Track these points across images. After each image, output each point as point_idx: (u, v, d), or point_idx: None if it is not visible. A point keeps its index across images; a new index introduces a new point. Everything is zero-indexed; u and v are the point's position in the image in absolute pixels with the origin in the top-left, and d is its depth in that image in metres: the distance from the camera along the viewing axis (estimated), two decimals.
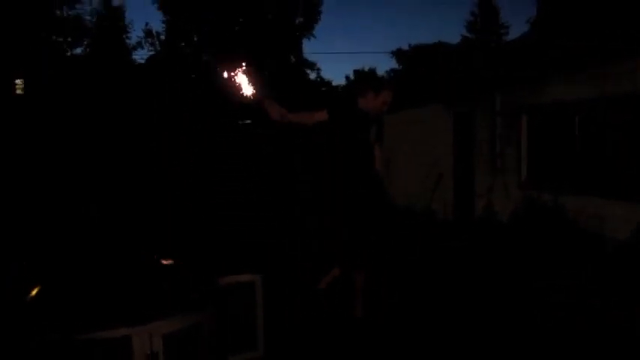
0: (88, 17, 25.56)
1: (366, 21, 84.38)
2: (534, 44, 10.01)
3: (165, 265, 3.29)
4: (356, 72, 29.38)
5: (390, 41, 76.53)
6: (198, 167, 7.47)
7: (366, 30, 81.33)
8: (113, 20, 27.15)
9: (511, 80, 9.14)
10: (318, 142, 4.71)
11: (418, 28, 73.74)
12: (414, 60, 20.94)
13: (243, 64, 3.98)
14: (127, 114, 10.15)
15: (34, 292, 2.82)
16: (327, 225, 4.84)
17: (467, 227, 9.39)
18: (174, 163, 7.32)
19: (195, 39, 25.42)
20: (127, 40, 27.68)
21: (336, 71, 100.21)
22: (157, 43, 26.97)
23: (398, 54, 23.68)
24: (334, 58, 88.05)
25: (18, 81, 16.52)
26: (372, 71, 28.70)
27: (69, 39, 24.04)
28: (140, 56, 27.45)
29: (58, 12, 22.81)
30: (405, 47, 23.58)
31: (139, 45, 27.13)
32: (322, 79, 28.51)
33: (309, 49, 28.68)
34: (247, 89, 4.28)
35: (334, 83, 29.01)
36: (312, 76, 28.13)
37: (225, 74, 4.18)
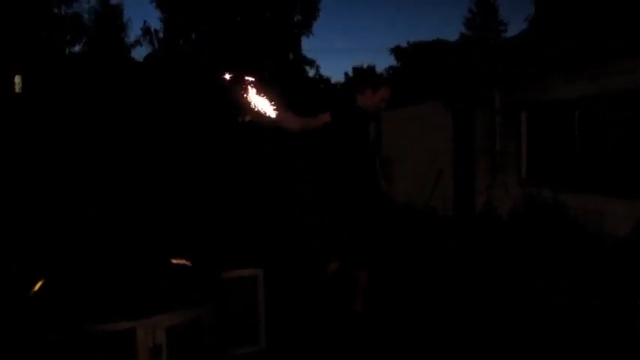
0: (86, 15, 25.55)
1: (365, 18, 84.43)
2: (533, 42, 10.02)
3: (168, 260, 3.30)
4: (355, 69, 29.41)
5: (388, 38, 76.84)
6: (198, 167, 7.48)
7: (365, 27, 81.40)
8: (111, 18, 27.15)
9: (510, 77, 9.15)
10: (318, 142, 4.71)
11: (417, 26, 73.85)
12: (413, 57, 20.91)
13: (252, 79, 3.96)
14: (126, 113, 10.14)
15: (38, 286, 2.83)
16: (327, 225, 4.84)
17: (467, 224, 9.40)
18: (174, 163, 7.32)
19: (194, 37, 25.40)
20: (126, 39, 27.70)
21: (335, 68, 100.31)
22: (156, 41, 26.95)
23: (396, 51, 23.64)
24: (333, 55, 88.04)
25: (16, 79, 16.50)
26: (371, 68, 28.75)
27: (67, 37, 24.02)
28: (139, 54, 27.37)
29: (56, 10, 22.80)
30: (404, 44, 23.54)
31: (138, 43, 27.12)
32: (321, 76, 28.52)
33: (308, 46, 28.83)
34: (264, 109, 4.28)
35: (333, 80, 29.06)
36: (311, 73, 28.15)
37: (238, 91, 4.16)
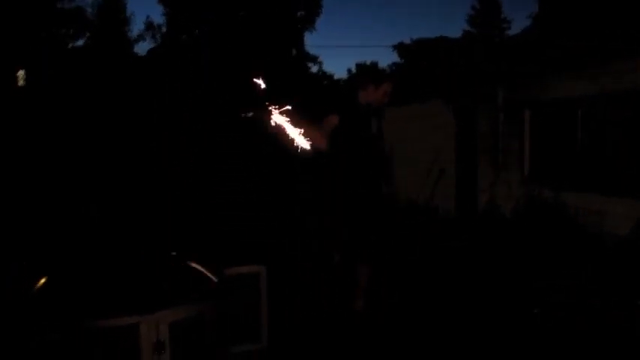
0: (90, 9, 25.55)
1: (368, 15, 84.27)
2: (536, 41, 10.01)
3: (172, 257, 3.33)
4: (358, 65, 29.38)
5: (391, 35, 76.59)
6: (198, 167, 7.49)
7: (368, 24, 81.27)
8: (114, 12, 27.15)
9: (513, 75, 9.14)
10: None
11: (420, 23, 73.73)
12: (416, 54, 20.89)
13: (287, 107, 3.99)
14: (127, 113, 10.16)
15: (41, 283, 2.85)
16: (327, 225, 4.86)
17: (469, 223, 9.40)
18: (174, 163, 7.33)
19: (197, 32, 25.40)
20: (129, 33, 27.72)
21: (337, 65, 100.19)
22: (159, 35, 26.97)
23: (399, 48, 23.60)
24: (336, 51, 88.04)
25: (20, 73, 16.51)
26: (374, 65, 28.70)
27: (70, 31, 24.04)
28: (142, 49, 27.37)
29: (59, 4, 22.80)
30: (407, 41, 23.50)
31: (141, 38, 27.14)
32: (324, 72, 28.53)
33: (311, 42, 28.83)
34: (298, 140, 4.31)
35: (336, 77, 29.03)
36: (314, 69, 28.16)
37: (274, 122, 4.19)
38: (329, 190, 4.71)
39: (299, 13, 26.73)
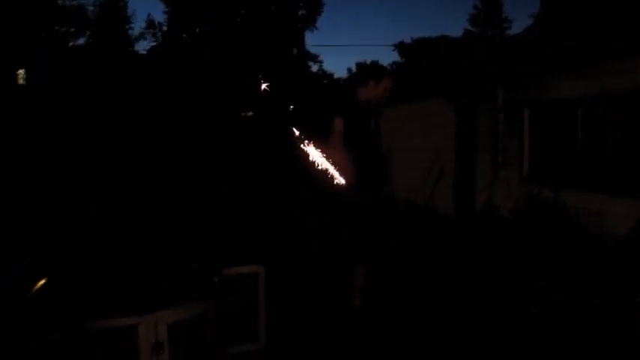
0: (91, 8, 25.55)
1: (369, 13, 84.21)
2: (536, 40, 10.02)
3: (170, 257, 3.34)
4: (358, 65, 29.38)
5: (392, 34, 76.48)
6: (198, 167, 7.49)
7: (369, 22, 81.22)
8: (116, 11, 27.15)
9: (514, 75, 9.14)
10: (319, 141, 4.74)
11: (421, 22, 73.68)
12: (417, 53, 20.88)
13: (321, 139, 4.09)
14: (127, 112, 10.16)
15: (40, 284, 2.86)
16: (327, 225, 4.88)
17: (468, 223, 9.41)
18: (174, 163, 7.34)
19: (198, 30, 25.41)
20: (130, 31, 27.73)
21: (338, 64, 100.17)
22: (160, 34, 26.98)
23: (400, 47, 23.60)
24: (336, 50, 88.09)
25: (20, 71, 16.50)
26: (375, 63, 28.63)
27: (71, 30, 24.04)
28: (143, 47, 27.38)
29: (60, 2, 22.80)
30: (408, 40, 23.49)
31: (142, 36, 27.15)
32: (324, 71, 28.53)
33: (312, 41, 28.86)
34: (336, 174, 4.37)
35: (336, 76, 29.04)
36: (315, 68, 28.15)
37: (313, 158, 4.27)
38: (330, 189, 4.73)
39: (300, 12, 26.71)
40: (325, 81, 27.07)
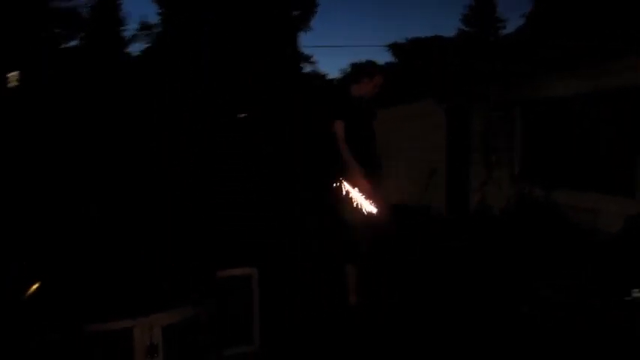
0: (84, 9, 25.45)
1: (363, 14, 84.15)
2: (528, 40, 10.06)
3: (165, 260, 3.36)
4: (352, 65, 29.28)
5: (386, 35, 76.45)
6: (198, 167, 7.50)
7: (363, 23, 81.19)
8: (109, 12, 27.07)
9: (506, 75, 9.18)
10: (319, 141, 4.78)
11: (415, 22, 73.73)
12: (411, 53, 20.90)
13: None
14: (127, 113, 10.16)
15: (33, 288, 2.88)
16: (327, 225, 4.91)
17: (461, 223, 9.44)
18: (174, 163, 7.34)
19: (191, 31, 25.34)
20: (124, 33, 27.65)
21: (331, 65, 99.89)
22: (153, 35, 26.90)
23: (394, 48, 23.60)
24: (330, 51, 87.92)
25: (13, 73, 16.45)
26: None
27: (64, 31, 23.94)
28: (136, 49, 27.32)
29: (52, 4, 22.70)
30: (402, 41, 23.49)
31: (135, 38, 27.08)
32: (318, 72, 28.51)
33: (305, 42, 28.81)
34: (365, 204, 4.44)
35: (330, 77, 29.03)
36: (308, 69, 28.13)
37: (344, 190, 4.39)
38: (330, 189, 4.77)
39: (294, 13, 26.66)
40: (319, 82, 27.05)
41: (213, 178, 7.35)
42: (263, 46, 22.94)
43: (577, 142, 7.90)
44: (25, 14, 17.46)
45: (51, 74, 16.22)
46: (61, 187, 6.27)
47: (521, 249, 6.76)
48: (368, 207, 4.45)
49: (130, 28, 29.27)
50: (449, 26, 68.63)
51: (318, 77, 27.93)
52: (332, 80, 27.85)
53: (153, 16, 38.13)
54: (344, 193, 4.47)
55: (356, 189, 4.48)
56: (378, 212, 4.47)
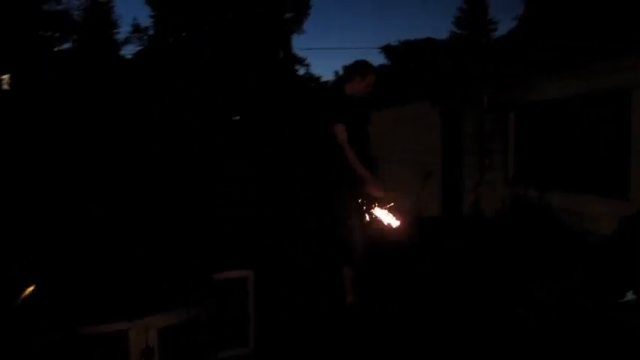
0: (76, 12, 25.37)
1: (356, 17, 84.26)
2: (520, 42, 10.10)
3: (161, 262, 3.34)
4: (345, 68, 29.25)
5: (379, 37, 76.57)
6: (198, 167, 7.48)
7: (356, 26, 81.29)
8: (101, 15, 27.02)
9: (498, 77, 9.22)
10: (319, 141, 4.78)
11: (408, 24, 73.89)
12: (403, 56, 20.91)
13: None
14: (127, 113, 10.13)
15: (28, 291, 2.86)
16: (327, 225, 4.92)
17: (457, 224, 9.46)
18: (174, 163, 7.32)
19: (184, 34, 25.31)
20: (117, 35, 27.60)
21: (325, 67, 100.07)
22: (146, 38, 26.87)
23: (387, 50, 23.60)
24: (323, 54, 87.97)
25: (4, 76, 16.37)
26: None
27: (57, 34, 23.85)
28: (129, 52, 27.25)
29: (45, 7, 22.61)
30: (395, 43, 23.48)
31: (128, 40, 27.04)
32: (311, 74, 28.52)
33: (298, 44, 28.85)
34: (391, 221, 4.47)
35: (323, 79, 29.02)
36: (302, 71, 28.15)
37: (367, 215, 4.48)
38: (329, 189, 4.78)
39: (287, 15, 26.67)
40: (313, 84, 27.06)
41: (213, 178, 7.34)
42: (262, 47, 22.96)
43: (570, 144, 7.93)
44: (18, 16, 17.40)
45: (50, 75, 16.18)
46: (61, 188, 6.25)
47: (516, 250, 6.77)
48: (390, 220, 4.48)
49: (123, 30, 29.20)
50: (441, 29, 68.93)
51: (312, 80, 27.93)
52: (326, 83, 27.84)
53: (145, 19, 38.08)
54: (366, 209, 4.50)
55: (376, 204, 4.51)
56: (399, 225, 4.50)
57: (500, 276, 6.00)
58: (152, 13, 26.51)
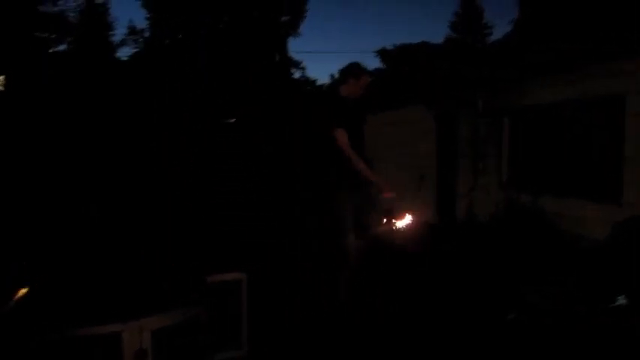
0: (72, 14, 25.31)
1: (352, 21, 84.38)
2: (515, 46, 10.13)
3: (159, 263, 3.35)
4: (340, 70, 29.22)
5: (375, 41, 76.63)
6: (198, 167, 7.48)
7: (352, 29, 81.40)
8: (97, 16, 26.99)
9: (493, 81, 9.25)
10: (318, 142, 4.80)
11: (404, 28, 73.98)
12: (398, 60, 20.90)
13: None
14: (127, 113, 10.11)
15: (21, 293, 2.86)
16: (327, 225, 4.94)
17: (452, 228, 9.47)
18: (174, 163, 7.32)
19: (180, 37, 25.30)
20: (113, 37, 27.58)
21: (320, 70, 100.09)
22: (141, 40, 26.85)
23: (382, 54, 23.60)
24: (319, 57, 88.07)
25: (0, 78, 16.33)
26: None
27: (53, 36, 23.79)
28: (124, 54, 27.24)
29: (41, 8, 22.55)
30: (390, 47, 23.48)
31: (124, 42, 27.01)
32: (307, 78, 28.53)
33: (294, 47, 28.88)
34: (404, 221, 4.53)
35: (319, 82, 29.05)
36: (297, 75, 28.16)
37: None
38: (329, 189, 4.81)
39: (283, 18, 26.69)
40: (308, 87, 27.08)
41: (213, 178, 7.34)
42: (259, 50, 22.98)
43: (563, 148, 7.97)
44: (15, 17, 17.37)
45: (50, 75, 16.15)
46: (61, 188, 6.25)
47: (509, 254, 6.79)
48: (400, 223, 4.55)
49: (119, 32, 29.16)
50: (437, 33, 68.90)
51: (308, 83, 27.95)
52: (321, 86, 27.87)
53: (141, 21, 38.05)
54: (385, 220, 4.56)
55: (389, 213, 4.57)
56: (407, 226, 4.56)
57: (493, 280, 6.01)
58: (148, 16, 26.48)
